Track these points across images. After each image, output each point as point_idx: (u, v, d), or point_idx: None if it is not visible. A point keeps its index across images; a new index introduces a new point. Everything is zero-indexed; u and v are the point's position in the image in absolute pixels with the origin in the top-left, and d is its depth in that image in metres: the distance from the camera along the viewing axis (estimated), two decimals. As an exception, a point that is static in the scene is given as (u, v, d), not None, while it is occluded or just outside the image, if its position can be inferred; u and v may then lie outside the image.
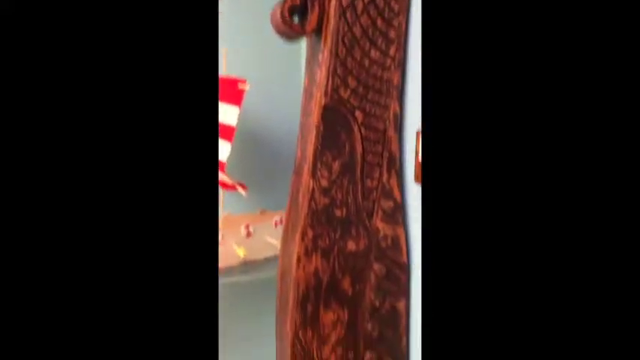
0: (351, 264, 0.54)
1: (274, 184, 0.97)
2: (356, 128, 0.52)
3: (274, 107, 0.95)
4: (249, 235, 0.90)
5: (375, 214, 0.54)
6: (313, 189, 0.52)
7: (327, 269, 0.53)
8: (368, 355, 0.55)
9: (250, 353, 0.91)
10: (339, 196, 0.53)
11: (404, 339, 0.55)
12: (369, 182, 0.53)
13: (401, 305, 0.55)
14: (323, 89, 0.50)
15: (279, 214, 0.96)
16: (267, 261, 0.90)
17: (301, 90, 0.59)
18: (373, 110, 0.52)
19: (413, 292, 0.55)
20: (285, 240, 0.60)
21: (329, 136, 0.51)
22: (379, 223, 0.54)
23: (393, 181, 0.53)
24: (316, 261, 0.53)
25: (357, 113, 0.52)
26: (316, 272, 0.53)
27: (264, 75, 0.90)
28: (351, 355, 0.55)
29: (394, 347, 0.55)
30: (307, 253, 0.53)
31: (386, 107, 0.52)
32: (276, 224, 0.94)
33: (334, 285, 0.54)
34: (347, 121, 0.52)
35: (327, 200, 0.53)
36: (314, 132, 0.51)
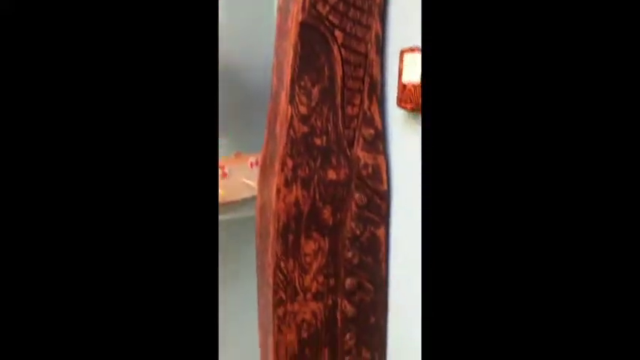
0: (332, 193, 0.53)
1: (249, 128, 0.93)
2: (336, 50, 0.49)
3: (248, 47, 0.88)
4: (225, 175, 0.87)
5: (355, 143, 0.53)
6: (292, 116, 0.50)
7: (308, 199, 0.53)
8: (349, 281, 0.56)
9: (229, 289, 0.92)
10: (319, 124, 0.51)
11: (383, 265, 0.57)
12: (349, 109, 0.52)
13: (381, 233, 0.56)
14: (300, 4, 0.46)
15: (254, 156, 0.93)
16: (245, 201, 0.88)
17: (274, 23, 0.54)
18: (354, 30, 0.49)
19: (392, 220, 0.56)
20: (264, 173, 0.59)
21: (307, 58, 0.48)
22: (360, 152, 0.53)
23: (374, 108, 0.52)
24: (296, 191, 0.52)
25: (337, 33, 0.48)
26: (297, 202, 0.52)
27: (234, 9, 0.82)
28: (332, 282, 0.56)
29: (374, 273, 0.57)
30: (287, 184, 0.52)
31: (368, 27, 0.49)
32: (251, 165, 0.91)
33: (315, 215, 0.53)
34: (326, 41, 0.48)
35: (306, 129, 0.51)
36: (291, 53, 0.48)
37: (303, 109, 0.50)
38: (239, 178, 0.89)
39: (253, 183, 0.87)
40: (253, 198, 0.87)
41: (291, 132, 0.50)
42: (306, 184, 0.52)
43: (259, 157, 0.72)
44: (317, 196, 0.53)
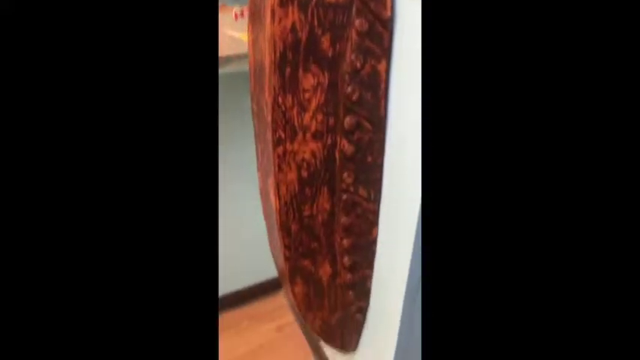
0: (331, 18, 0.49)
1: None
2: None
3: None
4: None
5: (358, -45, 0.46)
6: None
7: (305, 25, 0.48)
8: (348, 119, 0.56)
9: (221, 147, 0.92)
10: None
11: (382, 102, 0.56)
12: None
13: (381, 67, 0.53)
14: None
15: (239, 7, 0.84)
16: (230, 59, 0.82)
17: None
18: None
19: (394, 53, 0.53)
20: (254, 3, 0.53)
21: None
22: (363, -33, 0.47)
23: None
24: (293, 15, 0.47)
25: None
26: (293, 28, 0.48)
27: None
28: (331, 120, 0.55)
29: (373, 111, 0.56)
30: (282, 4, 0.47)
31: None
32: (236, 17, 0.83)
33: (313, 44, 0.50)
34: None
35: None
36: None
37: None
38: (224, 30, 0.81)
39: (239, 34, 0.80)
40: (239, 55, 0.81)
41: (285, -64, 0.43)
42: (302, 6, 0.47)
43: (245, 8, 0.64)
44: (315, 22, 0.49)
